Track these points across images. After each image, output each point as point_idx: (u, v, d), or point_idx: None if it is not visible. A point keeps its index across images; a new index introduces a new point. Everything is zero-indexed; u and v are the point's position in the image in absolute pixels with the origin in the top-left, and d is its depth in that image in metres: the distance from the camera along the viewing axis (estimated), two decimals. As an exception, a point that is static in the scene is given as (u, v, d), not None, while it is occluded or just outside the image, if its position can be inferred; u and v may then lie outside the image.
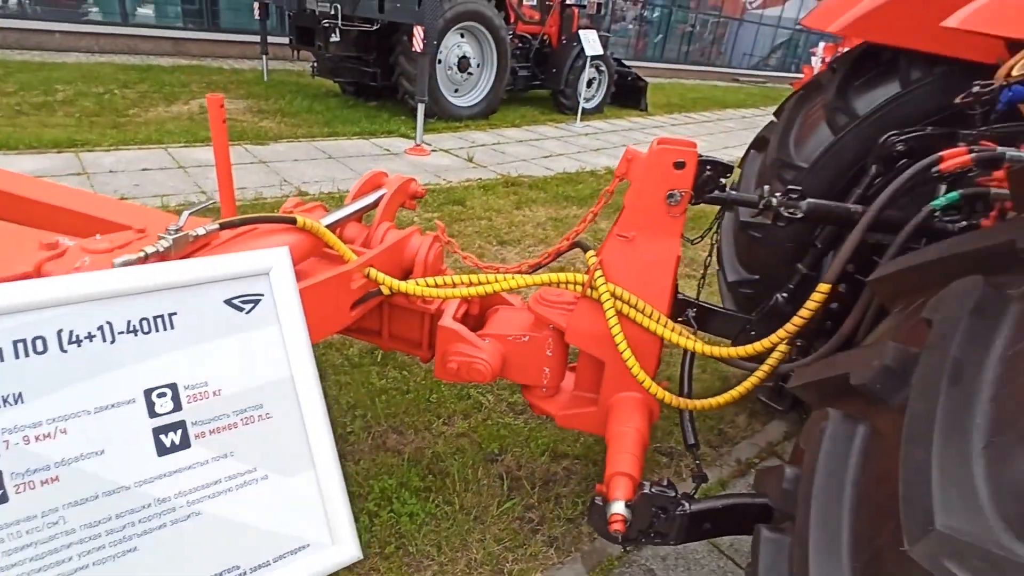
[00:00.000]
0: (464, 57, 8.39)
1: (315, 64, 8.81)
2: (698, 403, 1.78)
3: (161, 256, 1.27)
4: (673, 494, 1.50)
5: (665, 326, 1.72)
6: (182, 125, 6.72)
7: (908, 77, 2.22)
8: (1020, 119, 1.98)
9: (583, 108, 9.89)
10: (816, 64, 14.35)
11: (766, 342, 1.67)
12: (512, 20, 9.25)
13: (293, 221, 1.61)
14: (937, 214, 1.62)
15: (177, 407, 0.96)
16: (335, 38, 7.34)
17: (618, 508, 1.49)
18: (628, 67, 12.20)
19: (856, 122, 2.29)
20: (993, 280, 0.88)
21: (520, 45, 9.83)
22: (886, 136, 2.11)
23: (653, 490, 1.50)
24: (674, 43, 22.43)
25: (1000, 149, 1.53)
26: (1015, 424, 0.76)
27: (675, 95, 15.06)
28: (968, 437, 0.78)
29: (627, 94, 11.86)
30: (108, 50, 10.81)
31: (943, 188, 1.78)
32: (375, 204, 2.08)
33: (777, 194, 1.83)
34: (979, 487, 0.75)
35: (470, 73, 8.59)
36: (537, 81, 10.34)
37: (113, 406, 0.93)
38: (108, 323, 0.95)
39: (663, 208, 1.69)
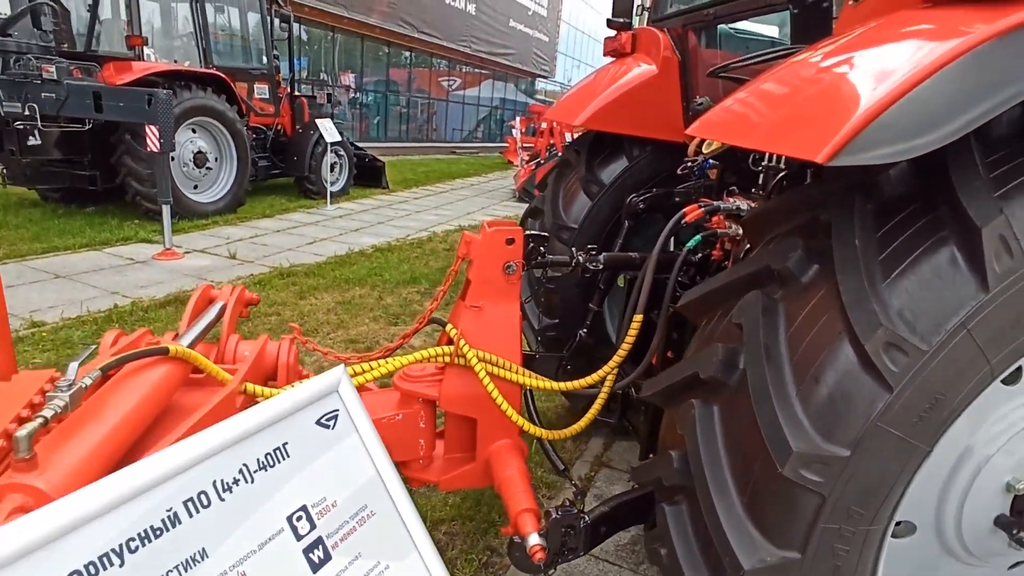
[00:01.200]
0: (200, 152, 7.93)
1: (5, 171, 7.37)
2: (566, 431, 2.11)
3: (62, 416, 1.15)
4: (575, 511, 1.79)
5: (524, 375, 2.03)
6: None
7: (631, 154, 2.98)
8: (709, 180, 2.85)
9: (331, 192, 10.03)
10: (516, 134, 16.71)
11: (607, 369, 2.09)
12: (245, 112, 9.05)
13: (166, 351, 1.54)
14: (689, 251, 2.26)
15: (312, 526, 1.07)
16: (34, 141, 6.30)
17: (534, 540, 1.71)
18: (362, 149, 12.76)
19: (605, 189, 2.97)
20: (765, 291, 1.39)
21: (256, 136, 9.64)
22: (630, 198, 2.82)
23: (560, 512, 1.77)
24: (394, 123, 24.06)
25: (716, 203, 2.24)
26: (804, 376, 1.24)
27: (407, 171, 16.05)
28: (787, 390, 1.23)
29: (367, 174, 12.37)
30: None
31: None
32: (218, 318, 2.03)
33: (581, 253, 2.31)
34: (801, 418, 1.20)
35: (209, 168, 8.13)
36: (277, 170, 10.21)
37: (271, 539, 1.01)
38: (244, 465, 1.05)
39: (503, 278, 2.01)
